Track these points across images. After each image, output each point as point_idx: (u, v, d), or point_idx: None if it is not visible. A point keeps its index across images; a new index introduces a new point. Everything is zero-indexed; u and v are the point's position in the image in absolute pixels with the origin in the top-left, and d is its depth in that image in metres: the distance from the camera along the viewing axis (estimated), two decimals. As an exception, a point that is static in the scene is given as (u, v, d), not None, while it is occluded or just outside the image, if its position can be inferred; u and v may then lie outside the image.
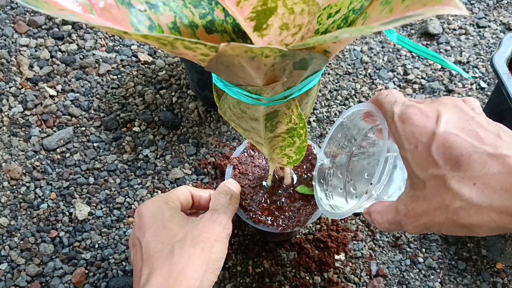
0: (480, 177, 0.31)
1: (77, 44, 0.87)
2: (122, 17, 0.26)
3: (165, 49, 0.23)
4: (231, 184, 0.55)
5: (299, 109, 0.37)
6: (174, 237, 0.45)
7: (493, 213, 0.31)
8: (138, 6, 0.27)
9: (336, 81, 0.84)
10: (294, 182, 0.60)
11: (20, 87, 0.81)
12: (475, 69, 0.86)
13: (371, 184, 0.41)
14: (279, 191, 0.59)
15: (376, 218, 0.40)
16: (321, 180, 0.55)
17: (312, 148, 0.63)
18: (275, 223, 0.57)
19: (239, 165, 0.61)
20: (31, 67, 0.83)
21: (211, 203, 0.51)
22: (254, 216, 0.57)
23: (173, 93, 0.82)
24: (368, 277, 0.66)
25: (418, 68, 0.86)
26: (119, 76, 0.84)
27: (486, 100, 0.78)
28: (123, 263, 0.66)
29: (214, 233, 0.46)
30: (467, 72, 0.85)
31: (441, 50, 0.88)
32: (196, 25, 0.31)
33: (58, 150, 0.75)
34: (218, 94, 0.37)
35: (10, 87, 0.81)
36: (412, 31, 0.92)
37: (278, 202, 0.58)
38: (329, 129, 0.78)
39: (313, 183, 0.55)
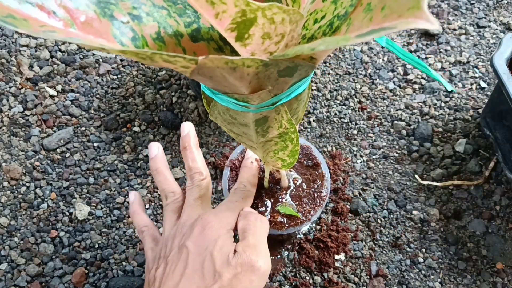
0: None
1: (77, 44, 0.88)
2: (104, 30, 0.26)
3: (146, 63, 0.23)
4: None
5: (289, 115, 0.37)
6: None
7: None
8: (120, 18, 0.27)
9: (336, 81, 0.84)
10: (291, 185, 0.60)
11: (20, 87, 0.81)
12: (475, 69, 0.85)
13: None
14: (277, 192, 0.59)
15: None
16: None
17: (311, 149, 0.62)
18: (274, 224, 0.57)
19: (236, 167, 0.61)
20: (31, 67, 0.84)
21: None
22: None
23: (173, 93, 0.82)
24: (368, 277, 0.66)
25: (418, 68, 0.85)
26: (119, 76, 0.84)
27: (486, 100, 0.78)
28: (123, 263, 0.67)
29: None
30: (467, 72, 0.84)
31: (441, 50, 0.87)
32: (181, 34, 0.31)
33: (58, 150, 0.76)
34: (207, 100, 0.37)
35: (10, 87, 0.81)
36: (412, 31, 0.91)
37: (276, 204, 0.58)
38: (329, 129, 0.78)
39: None
